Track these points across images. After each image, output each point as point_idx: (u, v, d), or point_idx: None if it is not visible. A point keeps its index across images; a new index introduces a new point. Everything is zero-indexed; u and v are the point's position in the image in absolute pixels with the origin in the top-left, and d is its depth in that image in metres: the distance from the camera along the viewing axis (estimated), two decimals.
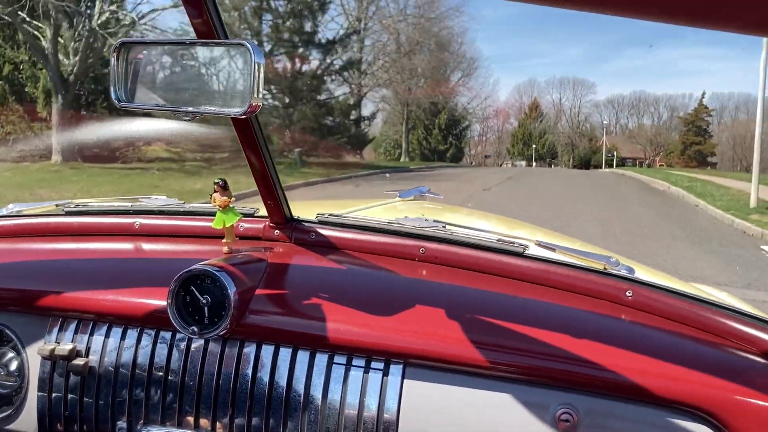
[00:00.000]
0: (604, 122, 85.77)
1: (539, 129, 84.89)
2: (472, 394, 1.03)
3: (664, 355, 1.04)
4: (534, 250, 1.35)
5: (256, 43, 0.92)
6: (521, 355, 1.01)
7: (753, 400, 0.95)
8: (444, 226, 1.44)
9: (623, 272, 1.29)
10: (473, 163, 69.36)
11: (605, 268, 1.30)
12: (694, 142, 77.56)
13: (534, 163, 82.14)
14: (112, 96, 1.02)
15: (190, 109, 0.96)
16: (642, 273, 1.39)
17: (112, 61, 1.01)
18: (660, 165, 76.62)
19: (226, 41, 0.97)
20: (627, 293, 1.20)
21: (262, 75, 0.91)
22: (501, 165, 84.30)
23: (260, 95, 0.92)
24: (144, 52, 1.02)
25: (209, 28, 1.01)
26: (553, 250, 1.38)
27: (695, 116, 78.77)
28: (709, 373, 1.00)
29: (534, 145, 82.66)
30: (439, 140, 62.05)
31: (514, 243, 1.33)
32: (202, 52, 0.99)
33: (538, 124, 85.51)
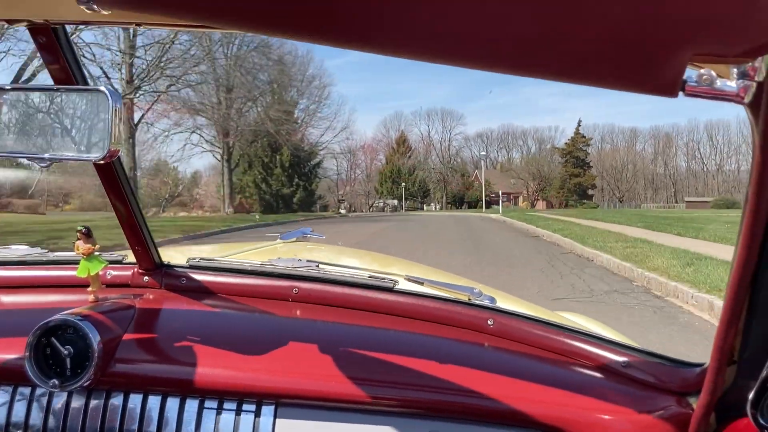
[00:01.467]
0: (481, 152, 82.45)
1: (408, 165, 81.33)
2: (345, 429, 1.05)
3: (523, 378, 1.11)
4: (404, 285, 1.41)
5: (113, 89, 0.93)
6: (390, 387, 1.05)
7: (600, 415, 1.04)
8: (317, 265, 1.47)
9: (486, 302, 1.37)
10: (328, 212, 59.10)
11: (469, 299, 1.37)
12: (574, 174, 76.45)
13: (404, 203, 78.94)
14: None
15: (47, 155, 0.95)
16: (503, 302, 1.47)
17: None
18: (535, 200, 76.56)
19: (83, 87, 0.97)
20: (489, 322, 1.27)
21: (120, 121, 0.92)
22: (371, 206, 79.93)
23: (120, 140, 0.92)
24: (0, 98, 0.99)
25: (67, 74, 1.00)
26: (421, 283, 1.44)
27: (572, 146, 77.84)
28: (562, 392, 1.08)
29: (404, 183, 78.62)
30: (282, 182, 53.11)
31: (384, 279, 1.38)
32: (60, 99, 0.98)
33: (407, 159, 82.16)
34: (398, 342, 1.22)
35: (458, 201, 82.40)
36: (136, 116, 33.11)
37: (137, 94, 30.99)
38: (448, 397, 1.05)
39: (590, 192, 79.00)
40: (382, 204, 79.44)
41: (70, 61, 0.99)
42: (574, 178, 76.93)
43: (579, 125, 79.67)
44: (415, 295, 1.35)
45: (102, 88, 0.91)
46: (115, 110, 0.90)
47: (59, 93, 0.98)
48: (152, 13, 0.56)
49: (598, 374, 1.17)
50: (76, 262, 1.41)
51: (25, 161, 1.01)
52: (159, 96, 33.46)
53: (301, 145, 54.61)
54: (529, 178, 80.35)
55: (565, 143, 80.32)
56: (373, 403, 1.04)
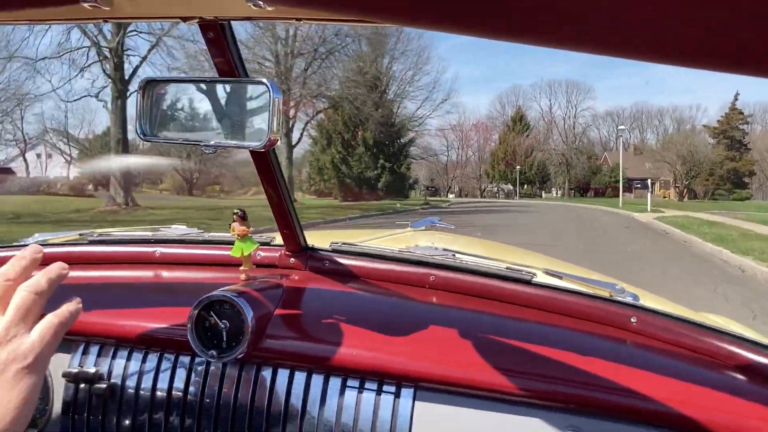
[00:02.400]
0: (620, 127, 59.49)
1: (525, 145, 71.68)
2: (481, 416, 1.06)
3: (668, 378, 1.06)
4: (541, 278, 1.39)
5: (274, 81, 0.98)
6: (529, 379, 1.04)
7: (753, 421, 0.98)
8: (453, 255, 1.48)
9: (628, 299, 1.32)
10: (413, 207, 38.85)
11: (611, 295, 1.33)
12: (728, 157, 62.85)
13: (518, 188, 71.60)
14: (137, 130, 1.08)
15: (212, 142, 1.02)
16: (647, 300, 1.42)
17: (138, 97, 1.07)
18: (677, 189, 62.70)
19: (246, 79, 1.03)
20: (632, 319, 1.23)
21: (279, 111, 0.97)
22: (483, 192, 73.91)
23: (278, 130, 0.97)
24: (168, 89, 1.08)
25: (231, 67, 1.07)
26: (560, 277, 1.42)
27: (726, 124, 64.80)
28: (711, 397, 1.03)
29: (519, 167, 70.17)
30: (365, 163, 44.26)
31: (521, 271, 1.37)
32: (224, 90, 1.06)
33: (524, 139, 72.13)
34: (538, 334, 1.21)
35: (583, 188, 73.45)
36: None
37: None
38: (590, 393, 1.03)
39: (746, 180, 66.12)
40: (496, 189, 73.94)
41: (234, 55, 1.06)
42: (728, 163, 63.80)
43: (736, 99, 67.72)
44: (553, 288, 1.33)
45: (264, 80, 0.97)
46: (276, 102, 0.96)
47: (223, 84, 1.05)
48: (315, 9, 0.58)
49: (748, 378, 1.10)
50: (228, 243, 1.51)
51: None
52: None
53: (390, 120, 45.82)
54: (676, 161, 63.42)
55: (718, 121, 68.02)
56: (513, 393, 1.04)
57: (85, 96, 29.81)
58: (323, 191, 47.56)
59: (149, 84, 1.07)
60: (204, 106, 1.08)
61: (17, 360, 0.68)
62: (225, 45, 1.03)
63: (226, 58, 1.06)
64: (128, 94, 26.92)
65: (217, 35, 1.02)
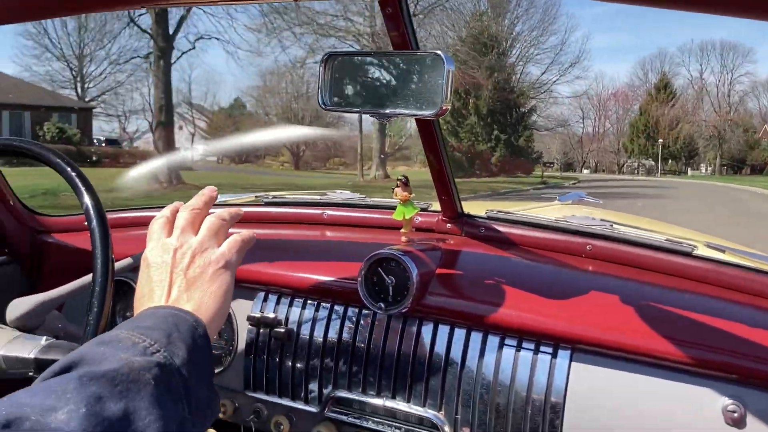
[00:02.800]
0: None
1: (670, 116, 62.04)
2: (639, 382, 1.08)
3: None
4: (703, 251, 1.36)
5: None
6: (691, 346, 1.05)
7: None
8: (611, 225, 1.49)
9: None
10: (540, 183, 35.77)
11: None
12: None
13: (660, 164, 62.56)
14: (319, 101, 1.18)
15: (388, 111, 1.11)
16: None
17: (321, 70, 1.17)
18: None
19: (421, 52, 1.10)
20: None
21: (452, 82, 1.03)
22: (621, 168, 66.07)
23: (450, 99, 1.03)
24: (348, 62, 1.18)
25: (405, 40, 1.15)
26: (723, 251, 1.38)
27: None
28: None
29: (661, 140, 61.05)
30: (477, 134, 39.41)
31: (682, 243, 1.36)
32: (398, 62, 1.13)
33: (668, 109, 62.70)
34: (699, 305, 1.20)
35: (736, 164, 63.28)
36: None
37: None
38: (755, 365, 1.02)
39: None
40: (635, 164, 66.16)
41: (409, 29, 1.13)
42: None
43: None
44: (716, 261, 1.31)
45: (439, 52, 1.03)
46: (449, 72, 1.02)
47: (399, 57, 1.13)
48: None
49: None
50: (387, 207, 1.61)
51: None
52: None
53: (509, 85, 40.43)
54: None
55: None
56: (673, 359, 1.05)
57: (134, 57, 28.03)
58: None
59: (330, 57, 1.17)
60: (380, 77, 1.16)
61: (212, 264, 0.85)
62: (401, 19, 1.11)
63: (401, 32, 1.13)
64: (172, 54, 23.25)
65: (395, 10, 1.09)
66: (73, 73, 42.26)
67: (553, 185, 34.42)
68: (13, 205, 1.66)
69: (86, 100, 41.53)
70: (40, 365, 1.04)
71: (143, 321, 0.74)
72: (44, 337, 1.09)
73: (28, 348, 1.06)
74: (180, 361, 0.69)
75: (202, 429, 0.72)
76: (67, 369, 0.63)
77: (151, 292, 0.83)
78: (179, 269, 0.84)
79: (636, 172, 66.98)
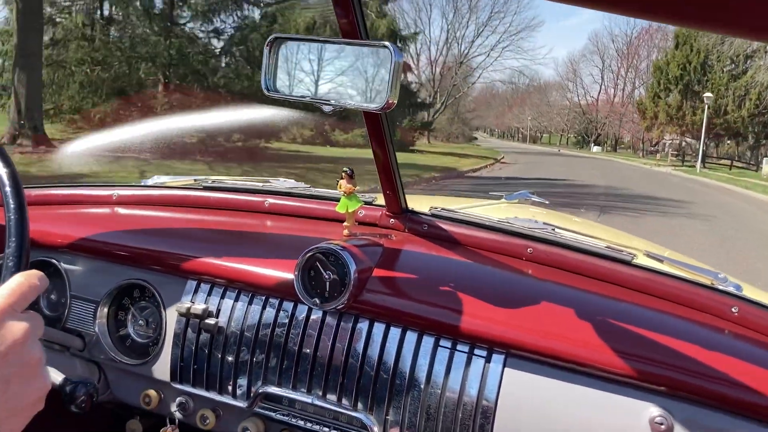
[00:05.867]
0: None
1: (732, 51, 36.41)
2: (570, 390, 1.08)
3: (766, 372, 1.04)
4: (642, 260, 1.37)
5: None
6: (622, 357, 1.05)
7: None
8: (553, 229, 1.49)
9: (730, 288, 1.29)
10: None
11: (712, 283, 1.31)
12: None
13: (702, 144, 34.60)
14: (263, 85, 1.14)
15: (333, 101, 1.07)
16: (751, 292, 1.38)
17: (266, 52, 1.12)
18: None
19: (369, 42, 1.06)
20: (733, 309, 1.21)
21: (400, 74, 1.00)
22: (655, 146, 42.60)
23: (396, 93, 1.00)
24: (294, 47, 1.13)
25: (353, 28, 1.11)
26: (661, 261, 1.40)
27: None
28: None
29: (709, 95, 36.00)
30: None
31: (622, 251, 1.36)
32: (346, 51, 1.09)
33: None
34: (634, 314, 1.21)
35: None
36: None
37: None
38: (681, 376, 1.03)
39: None
40: (667, 144, 42.02)
41: (358, 17, 1.09)
42: None
43: None
44: (653, 271, 1.32)
45: (387, 44, 1.00)
46: (397, 65, 0.98)
47: (347, 46, 1.09)
48: None
49: None
50: (332, 198, 1.57)
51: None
52: None
53: None
54: None
55: None
56: (604, 369, 1.05)
57: None
58: None
59: (276, 40, 1.13)
60: (327, 65, 1.12)
61: None
62: (350, 6, 1.07)
63: (350, 20, 1.09)
64: None
65: None
66: None
67: None
68: None
69: None
70: None
71: None
72: None
73: None
74: None
75: None
76: None
77: None
78: None
79: (664, 155, 42.35)
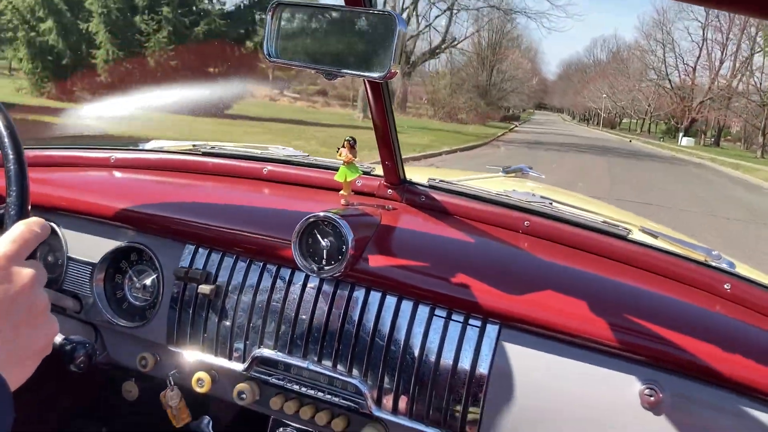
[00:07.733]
0: None
1: None
2: (562, 362, 1.09)
3: (758, 347, 1.06)
4: (637, 236, 1.38)
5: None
6: (612, 329, 1.06)
7: None
8: (550, 203, 1.49)
9: (724, 265, 1.31)
10: None
11: (706, 260, 1.32)
12: None
13: None
14: (264, 51, 1.13)
15: (334, 69, 1.06)
16: (745, 270, 1.40)
17: (268, 18, 1.11)
18: None
19: (372, 9, 1.05)
20: (725, 285, 1.22)
21: (404, 43, 0.99)
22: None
23: (399, 62, 1.00)
24: (296, 13, 1.12)
25: None
26: (656, 237, 1.41)
27: None
28: None
29: None
30: None
31: (618, 226, 1.37)
32: (349, 18, 1.08)
33: None
34: (626, 289, 1.22)
35: None
36: None
37: None
38: (671, 350, 1.04)
39: None
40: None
41: None
42: None
43: None
44: (648, 247, 1.33)
45: (390, 12, 0.99)
46: (400, 34, 0.98)
47: (351, 13, 1.08)
48: None
49: None
50: (330, 168, 1.57)
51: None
52: None
53: None
54: None
55: None
56: (596, 341, 1.07)
57: None
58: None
59: (279, 6, 1.11)
60: (330, 32, 1.11)
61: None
62: None
63: None
64: None
65: None
66: None
67: None
68: None
69: None
70: None
71: None
72: None
73: None
74: None
75: None
76: None
77: None
78: None
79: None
